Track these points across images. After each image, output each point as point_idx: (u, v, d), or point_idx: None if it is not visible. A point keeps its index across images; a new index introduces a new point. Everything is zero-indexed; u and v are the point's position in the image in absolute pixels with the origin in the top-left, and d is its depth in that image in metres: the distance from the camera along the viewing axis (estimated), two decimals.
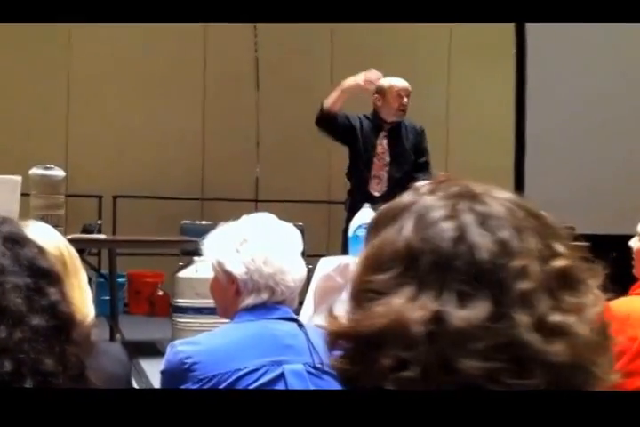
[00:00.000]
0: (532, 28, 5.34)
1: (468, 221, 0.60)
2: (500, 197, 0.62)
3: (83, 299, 1.24)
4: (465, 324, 0.56)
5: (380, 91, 4.00)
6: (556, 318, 0.57)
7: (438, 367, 0.56)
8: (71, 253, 1.27)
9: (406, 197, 0.63)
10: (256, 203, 5.88)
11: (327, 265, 2.87)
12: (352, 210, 3.91)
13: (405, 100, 3.97)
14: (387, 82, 4.04)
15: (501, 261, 0.58)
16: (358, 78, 3.84)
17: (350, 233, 2.94)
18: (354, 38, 6.86)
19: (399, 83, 4.04)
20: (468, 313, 0.57)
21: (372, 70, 3.88)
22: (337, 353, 0.61)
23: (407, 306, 0.58)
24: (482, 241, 0.58)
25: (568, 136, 5.28)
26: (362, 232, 2.89)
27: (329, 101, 3.88)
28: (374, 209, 3.96)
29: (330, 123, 3.91)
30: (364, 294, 0.60)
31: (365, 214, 2.98)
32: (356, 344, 0.60)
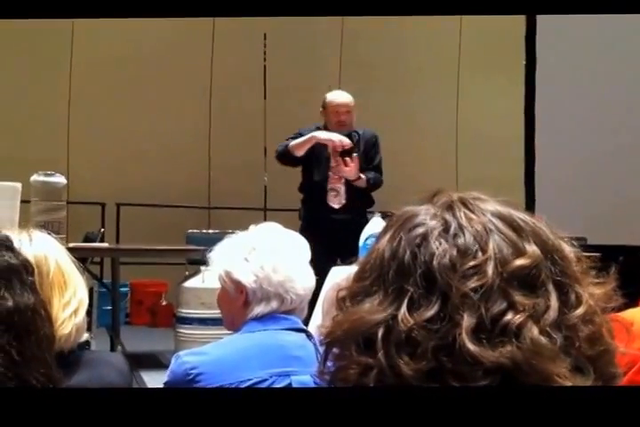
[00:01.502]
0: (542, 39, 5.38)
1: (433, 228, 0.63)
2: (478, 206, 0.64)
3: (66, 314, 1.24)
4: (409, 326, 0.58)
5: (323, 105, 4.21)
6: (505, 319, 0.58)
7: (388, 370, 0.58)
8: (60, 267, 1.28)
9: (403, 209, 0.67)
10: (265, 211, 5.90)
11: (337, 275, 2.89)
12: (306, 221, 4.19)
13: (342, 116, 4.12)
14: (328, 97, 4.22)
15: (455, 265, 0.60)
16: (334, 137, 4.01)
17: (360, 243, 2.97)
18: (362, 51, 6.91)
19: (337, 98, 4.19)
20: (415, 316, 0.59)
21: (346, 140, 4.01)
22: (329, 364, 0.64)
23: (370, 311, 0.61)
24: (440, 247, 0.61)
25: (578, 147, 5.29)
26: (372, 242, 2.91)
27: (295, 146, 4.07)
28: (333, 221, 4.10)
29: (291, 161, 4.16)
30: (342, 301, 0.64)
31: (376, 224, 3.00)
32: (334, 351, 0.63)
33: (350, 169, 4.02)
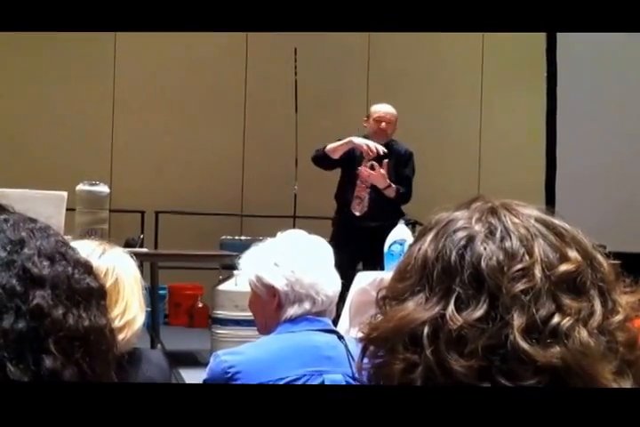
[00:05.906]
0: (562, 52, 5.32)
1: (478, 231, 0.62)
2: (520, 212, 0.63)
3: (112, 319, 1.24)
4: (459, 325, 0.58)
5: (367, 115, 4.30)
6: (554, 321, 0.57)
7: (437, 367, 0.58)
8: (117, 284, 1.28)
9: (440, 214, 0.66)
10: (294, 219, 5.91)
11: (363, 280, 2.88)
12: (337, 228, 4.22)
13: (383, 124, 4.17)
14: (372, 107, 4.32)
15: (503, 267, 0.59)
16: (370, 143, 4.05)
17: (385, 249, 2.95)
18: (388, 65, 6.92)
19: (379, 109, 4.27)
20: (464, 315, 0.58)
21: (380, 147, 4.05)
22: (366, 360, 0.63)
23: (416, 310, 0.60)
24: (487, 249, 0.60)
25: (598, 157, 5.22)
26: (396, 248, 2.90)
27: (332, 148, 4.11)
28: (356, 227, 4.10)
29: (326, 164, 4.20)
30: (384, 300, 0.64)
31: (399, 231, 2.99)
32: (375, 347, 0.62)
33: (376, 175, 4.00)
